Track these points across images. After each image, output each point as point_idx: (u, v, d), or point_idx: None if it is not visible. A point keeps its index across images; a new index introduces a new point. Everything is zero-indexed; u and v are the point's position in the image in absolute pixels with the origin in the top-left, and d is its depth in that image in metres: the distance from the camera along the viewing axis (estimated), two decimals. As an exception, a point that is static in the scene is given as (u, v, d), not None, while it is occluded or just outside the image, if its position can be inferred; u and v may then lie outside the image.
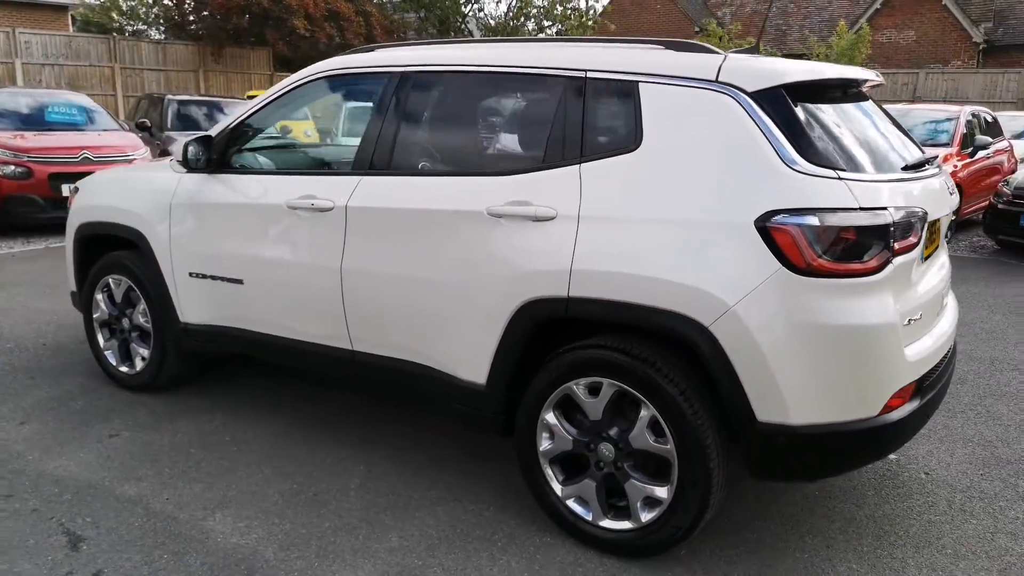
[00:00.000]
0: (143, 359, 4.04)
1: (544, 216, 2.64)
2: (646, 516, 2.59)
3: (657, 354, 2.50)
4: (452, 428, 3.60)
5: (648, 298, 2.43)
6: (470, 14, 27.66)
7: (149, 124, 11.19)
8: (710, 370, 2.39)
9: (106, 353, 4.21)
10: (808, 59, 25.17)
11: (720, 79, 2.49)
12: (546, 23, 27.32)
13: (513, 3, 27.54)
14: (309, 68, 3.48)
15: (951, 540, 2.82)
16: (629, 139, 2.59)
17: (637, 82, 2.61)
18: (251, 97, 12.17)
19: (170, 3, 23.08)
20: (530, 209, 2.67)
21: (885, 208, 2.31)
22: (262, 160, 3.75)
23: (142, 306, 3.96)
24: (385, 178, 3.09)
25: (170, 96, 12.41)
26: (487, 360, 2.82)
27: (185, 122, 11.85)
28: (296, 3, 20.23)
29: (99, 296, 4.15)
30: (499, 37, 3.16)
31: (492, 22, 28.02)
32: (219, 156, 3.57)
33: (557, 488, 2.78)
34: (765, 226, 2.29)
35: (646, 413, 2.52)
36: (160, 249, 3.76)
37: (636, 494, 2.60)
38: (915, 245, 2.45)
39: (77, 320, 4.72)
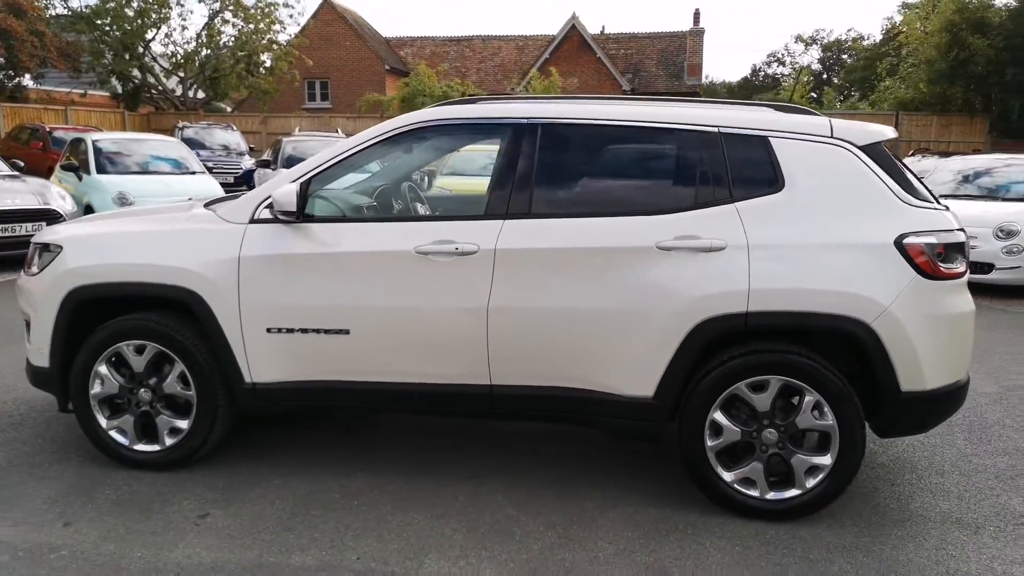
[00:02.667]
0: (177, 433, 3.62)
1: (715, 247, 3.17)
2: (810, 482, 3.24)
3: (815, 351, 3.18)
4: (563, 447, 3.89)
5: (822, 306, 3.10)
6: (155, 40, 25.58)
7: None
8: (869, 357, 3.12)
9: (111, 433, 3.67)
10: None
11: (834, 136, 3.27)
12: (240, 54, 26.33)
13: (202, 33, 26.11)
14: (405, 118, 3.53)
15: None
16: (772, 182, 3.24)
17: (768, 137, 3.28)
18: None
19: None
20: (701, 242, 3.18)
21: (962, 229, 3.26)
22: (353, 207, 3.65)
23: (177, 372, 3.56)
24: (534, 221, 3.33)
25: None
26: (657, 375, 3.24)
27: None
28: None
29: (102, 368, 3.61)
30: (616, 96, 3.47)
31: (180, 50, 26.23)
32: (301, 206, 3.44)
33: (726, 476, 3.29)
34: (902, 244, 3.11)
35: (810, 399, 3.18)
36: (222, 306, 3.46)
37: (801, 466, 3.23)
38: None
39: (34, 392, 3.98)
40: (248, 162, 17.59)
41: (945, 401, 3.26)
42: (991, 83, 19.19)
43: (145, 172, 10.99)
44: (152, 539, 3.08)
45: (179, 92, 27.31)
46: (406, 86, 24.53)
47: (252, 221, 3.50)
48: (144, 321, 3.57)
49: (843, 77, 49.19)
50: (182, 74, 26.65)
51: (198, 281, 3.46)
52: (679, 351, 3.21)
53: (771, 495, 3.27)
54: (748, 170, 3.28)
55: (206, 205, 3.90)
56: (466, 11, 78.60)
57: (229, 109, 29.15)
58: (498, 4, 79.28)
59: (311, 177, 3.50)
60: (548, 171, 3.40)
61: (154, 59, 26.41)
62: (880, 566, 2.96)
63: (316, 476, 3.64)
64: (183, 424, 3.63)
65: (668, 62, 34.16)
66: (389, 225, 3.49)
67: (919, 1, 25.63)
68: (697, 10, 33.77)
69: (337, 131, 20.60)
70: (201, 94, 27.60)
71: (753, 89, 53.72)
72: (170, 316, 3.59)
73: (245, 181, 15.98)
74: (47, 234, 3.88)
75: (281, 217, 3.38)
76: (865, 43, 48.70)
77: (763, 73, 56.27)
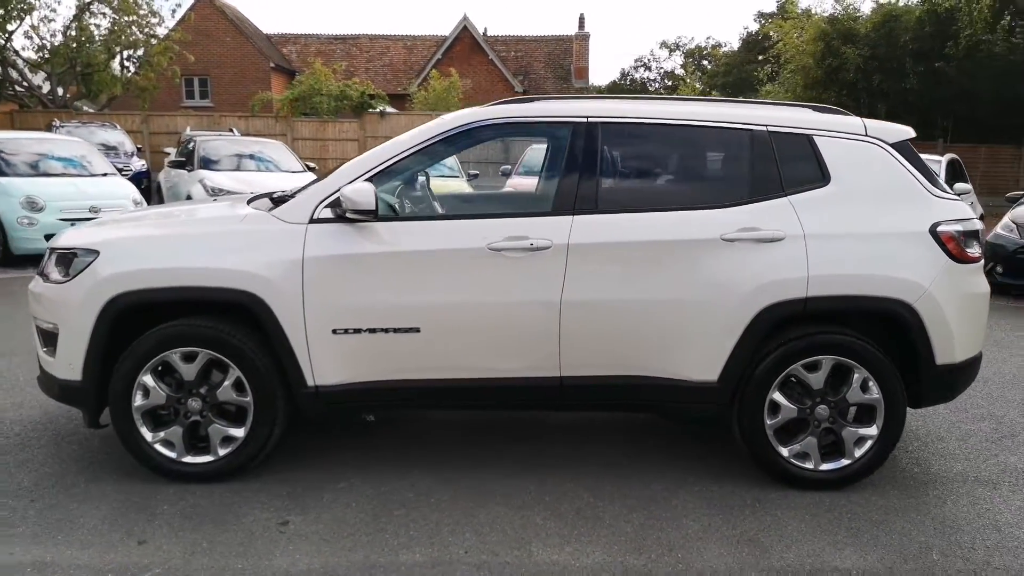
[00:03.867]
0: (230, 442, 3.49)
1: (776, 238, 3.41)
2: (858, 452, 3.54)
3: (861, 332, 3.48)
4: (609, 438, 4.02)
5: (872, 289, 3.41)
6: (18, 31, 23.59)
7: None
8: (911, 334, 3.45)
9: (156, 447, 3.49)
10: (410, 101, 27.47)
11: (868, 134, 3.58)
12: (116, 48, 24.74)
13: (71, 25, 24.30)
14: (463, 116, 3.56)
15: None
16: (818, 176, 3.51)
17: (812, 135, 3.55)
18: None
19: None
20: (762, 233, 3.41)
21: (980, 218, 3.65)
22: (415, 205, 3.62)
23: (232, 378, 3.44)
24: (602, 216, 3.44)
25: None
26: (721, 360, 3.45)
27: None
28: None
29: (146, 379, 3.43)
30: (661, 96, 3.56)
31: (47, 43, 24.31)
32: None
33: (784, 451, 3.53)
34: (936, 232, 3.46)
35: (859, 375, 3.47)
36: (285, 309, 3.36)
37: (851, 438, 3.53)
38: None
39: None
40: (138, 163, 16.59)
41: (969, 371, 3.65)
42: (860, 89, 20.92)
43: (49, 175, 10.21)
44: (242, 550, 2.98)
45: (47, 89, 25.32)
46: (300, 84, 23.84)
47: (312, 221, 3.43)
48: (196, 327, 3.42)
49: (705, 82, 52.05)
50: (49, 69, 24.72)
51: (260, 284, 3.35)
52: (743, 336, 3.42)
53: (824, 466, 3.55)
54: (796, 166, 3.54)
55: (249, 202, 3.77)
56: (344, 9, 77.02)
57: (92, 109, 27.24)
58: (379, 3, 78.21)
59: (373, 176, 3.47)
60: (611, 168, 3.53)
61: (16, 53, 24.37)
62: (935, 523, 3.29)
63: (377, 477, 3.60)
64: (238, 432, 3.50)
65: (555, 65, 34.98)
66: (456, 223, 3.51)
67: (778, 8, 27.29)
68: (582, 15, 34.88)
69: (232, 131, 19.80)
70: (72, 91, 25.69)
71: (621, 92, 55.57)
72: (221, 321, 3.46)
73: (137, 183, 15.05)
74: (70, 239, 3.63)
75: (354, 216, 3.33)
76: (723, 50, 51.81)
77: (630, 78, 58.39)
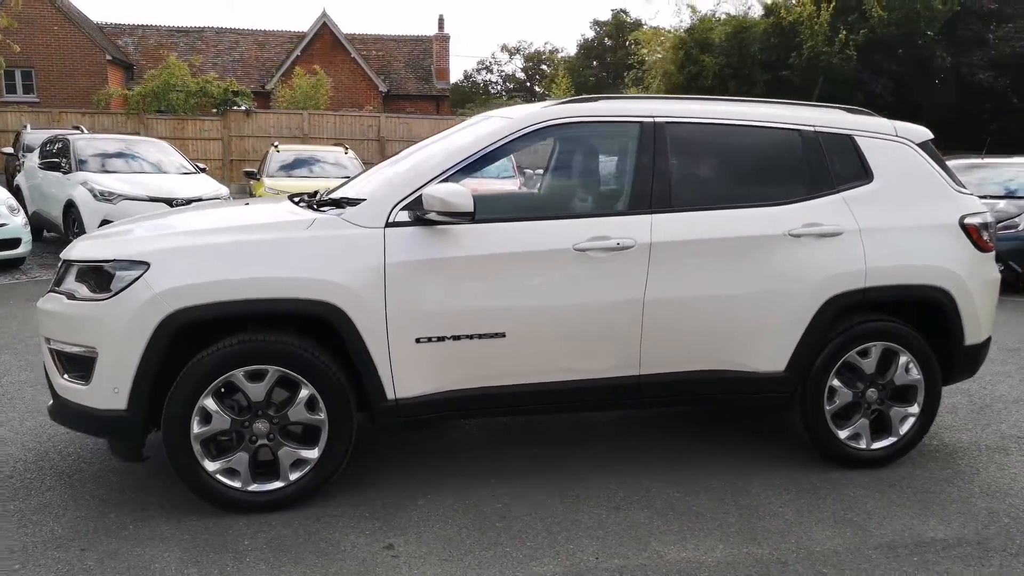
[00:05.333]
0: (302, 465, 3.23)
1: (834, 232, 3.60)
2: (903, 429, 3.81)
3: (902, 318, 3.76)
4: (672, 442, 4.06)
5: (919, 278, 3.69)
6: None
7: None
8: (947, 318, 3.76)
9: (219, 477, 3.16)
10: (274, 99, 26.12)
11: (898, 134, 3.87)
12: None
13: None
14: (532, 115, 3.48)
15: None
16: (863, 174, 3.75)
17: (853, 135, 3.78)
18: None
19: None
20: (824, 228, 3.59)
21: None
22: (491, 207, 3.47)
23: (304, 396, 3.17)
24: (678, 214, 3.49)
25: None
26: (789, 350, 3.60)
27: None
28: None
29: (208, 402, 3.09)
30: (713, 97, 3.59)
31: None
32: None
33: (841, 434, 3.74)
34: (964, 224, 3.79)
35: (904, 359, 3.74)
36: (366, 319, 3.15)
37: (897, 417, 3.79)
38: None
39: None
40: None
41: (985, 349, 4.02)
42: (718, 95, 22.31)
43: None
44: (362, 580, 2.76)
45: None
46: (154, 78, 22.14)
47: (389, 224, 3.23)
48: (266, 343, 3.12)
49: (544, 86, 53.68)
50: None
51: (339, 294, 3.12)
52: (809, 327, 3.59)
53: (875, 445, 3.79)
54: (844, 164, 3.75)
55: (317, 207, 3.50)
56: (179, 1, 72.02)
57: None
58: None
59: (448, 177, 3.32)
60: (680, 166, 3.58)
61: None
62: (982, 490, 3.60)
63: (452, 491, 3.45)
64: (311, 454, 3.23)
65: (416, 65, 34.68)
66: (537, 224, 3.41)
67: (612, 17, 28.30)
68: (441, 16, 34.83)
69: (81, 129, 18.04)
70: None
71: (463, 95, 55.56)
72: (290, 335, 3.18)
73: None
74: (101, 250, 3.20)
75: (444, 219, 3.17)
76: (561, 55, 53.80)
77: (472, 80, 59.03)
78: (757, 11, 22.82)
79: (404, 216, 3.25)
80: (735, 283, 3.53)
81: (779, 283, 3.55)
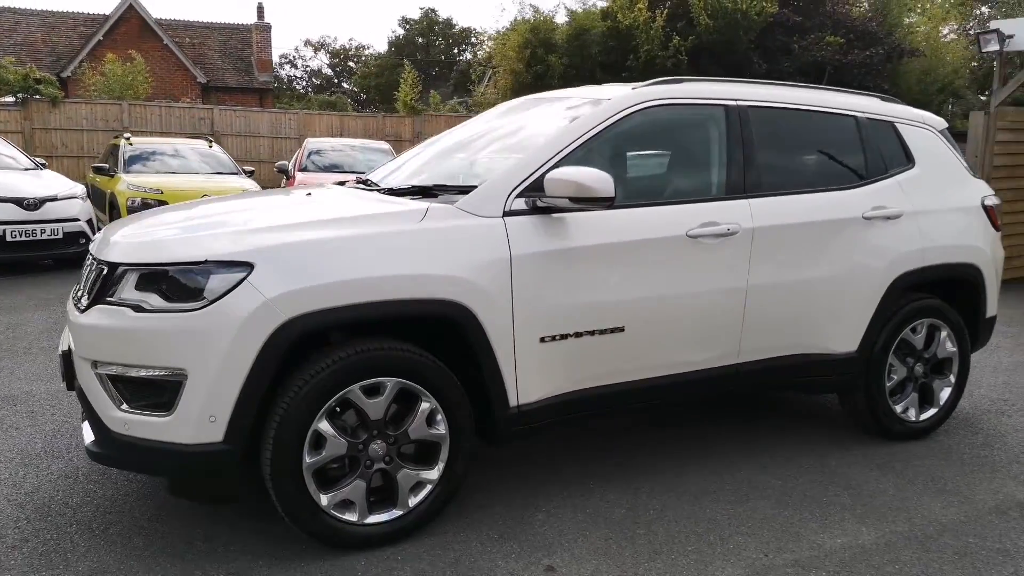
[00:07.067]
0: (421, 487, 2.84)
1: (897, 215, 3.74)
2: (942, 399, 4.04)
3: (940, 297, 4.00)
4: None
5: (959, 257, 3.93)
6: None
7: None
8: (975, 293, 4.03)
9: (333, 512, 2.70)
10: (83, 86, 23.18)
11: (924, 123, 4.10)
12: None
13: None
14: (627, 96, 3.28)
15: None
16: (906, 159, 3.93)
17: (894, 123, 3.96)
18: None
19: None
20: (889, 211, 3.72)
21: (992, 193, 4.38)
22: None
23: (423, 411, 2.79)
24: (770, 198, 3.45)
25: None
26: (861, 331, 3.70)
27: None
28: None
29: (323, 425, 2.63)
30: (775, 82, 3.36)
31: None
32: None
33: (898, 408, 3.89)
34: (985, 205, 4.09)
35: (944, 334, 3.97)
36: (493, 319, 2.82)
37: (938, 389, 4.02)
38: None
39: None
40: None
41: (994, 321, 4.36)
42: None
43: None
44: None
45: None
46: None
47: (507, 213, 2.92)
48: (388, 351, 2.70)
49: (355, 83, 52.74)
50: None
51: (468, 291, 2.77)
52: (879, 307, 3.71)
53: (922, 416, 3.99)
54: (891, 149, 3.91)
55: (395, 193, 3.07)
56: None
57: None
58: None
59: (559, 162, 3.05)
60: (763, 150, 3.54)
61: None
62: (1020, 452, 3.90)
63: (567, 499, 3.20)
64: (431, 475, 2.85)
65: (234, 56, 32.51)
66: (647, 210, 3.22)
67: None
68: (260, 4, 32.70)
69: None
70: None
71: (257, 90, 52.66)
72: (404, 341, 2.78)
73: None
74: (186, 248, 2.61)
75: (578, 207, 2.90)
76: (369, 52, 53.18)
77: (275, 74, 56.58)
78: (599, 4, 23.63)
79: (520, 204, 2.95)
80: (821, 266, 3.56)
81: (856, 265, 3.63)
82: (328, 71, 58.77)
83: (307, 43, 62.67)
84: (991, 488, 3.44)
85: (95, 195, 10.73)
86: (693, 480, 3.42)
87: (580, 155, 3.11)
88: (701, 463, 3.60)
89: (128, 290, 2.58)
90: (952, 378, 4.06)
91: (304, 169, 11.68)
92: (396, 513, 2.80)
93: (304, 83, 57.00)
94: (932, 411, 4.02)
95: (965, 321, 4.08)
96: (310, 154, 12.11)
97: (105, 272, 2.66)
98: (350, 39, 76.57)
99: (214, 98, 29.32)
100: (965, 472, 3.61)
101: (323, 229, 2.73)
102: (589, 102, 3.39)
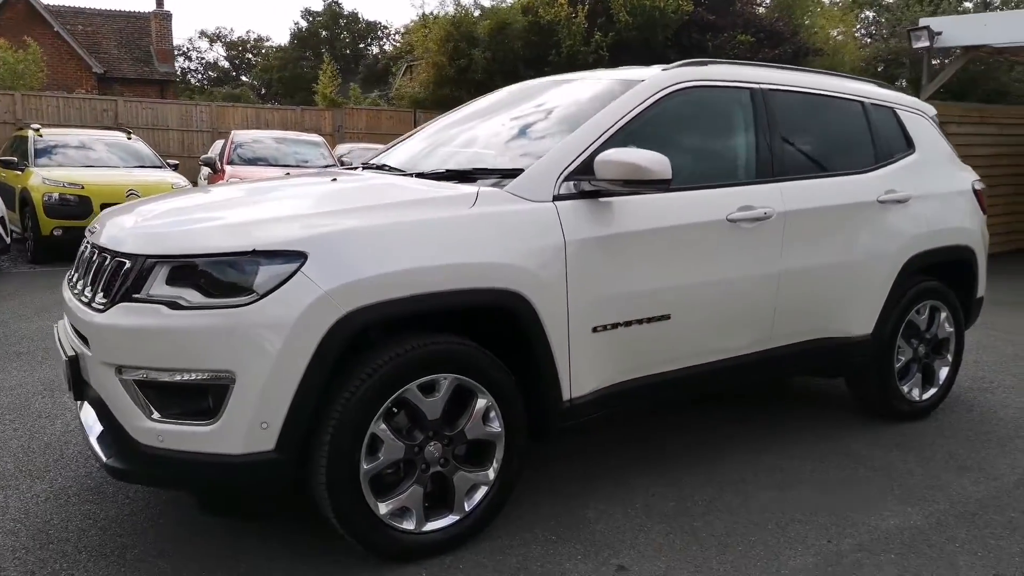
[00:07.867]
0: (476, 489, 2.66)
1: (906, 198, 3.79)
2: (941, 378, 4.13)
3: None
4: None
5: (957, 240, 4.02)
6: None
7: None
8: (970, 274, 4.15)
9: (391, 521, 2.48)
10: None
11: (919, 109, 4.18)
12: None
13: None
14: (661, 77, 3.16)
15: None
16: (907, 145, 3.99)
17: (895, 108, 4.02)
18: None
19: None
20: (899, 195, 3.76)
21: (976, 179, 4.52)
22: None
23: (479, 408, 2.61)
24: (797, 182, 3.41)
25: None
26: (876, 314, 3.73)
27: None
28: None
29: (380, 428, 2.42)
30: (787, 66, 3.22)
31: None
32: None
33: (904, 389, 3.95)
34: (975, 190, 4.21)
35: (944, 315, 4.07)
36: (548, 308, 2.66)
37: (938, 368, 4.12)
38: None
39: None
40: None
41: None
42: (488, 89, 22.74)
43: None
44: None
45: None
46: None
47: (556, 198, 2.76)
48: (448, 345, 2.50)
49: (255, 76, 51.16)
50: None
51: (525, 279, 2.60)
52: (892, 289, 3.75)
53: (924, 396, 4.07)
54: (894, 134, 3.96)
55: (455, 179, 2.86)
56: None
57: None
58: None
59: (602, 145, 2.90)
60: (787, 134, 3.51)
61: None
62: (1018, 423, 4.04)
63: (608, 496, 3.07)
64: (487, 476, 2.66)
65: (131, 45, 30.79)
66: (687, 195, 3.10)
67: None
68: (160, -9, 31.01)
69: None
70: None
71: (159, 81, 50.40)
72: (456, 334, 2.59)
73: None
74: (226, 237, 2.33)
75: (631, 190, 2.77)
76: (270, 44, 51.62)
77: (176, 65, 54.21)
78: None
79: (567, 188, 2.80)
80: (843, 250, 3.56)
81: (873, 249, 3.66)
82: (225, 64, 56.53)
83: (202, 34, 60.23)
84: (1008, 463, 3.52)
85: (1, 191, 9.87)
86: (730, 468, 3.36)
87: (620, 138, 2.97)
88: (728, 451, 3.54)
89: (159, 285, 2.28)
90: (950, 357, 4.16)
91: (231, 162, 11.12)
92: (453, 519, 2.60)
93: (200, 76, 54.60)
94: (933, 390, 4.11)
95: (960, 301, 4.19)
96: (237, 147, 11.54)
97: (128, 266, 2.34)
98: (248, 31, 74.06)
99: (113, 89, 27.68)
100: (977, 448, 3.70)
101: (375, 215, 2.50)
102: (618, 83, 3.26)
